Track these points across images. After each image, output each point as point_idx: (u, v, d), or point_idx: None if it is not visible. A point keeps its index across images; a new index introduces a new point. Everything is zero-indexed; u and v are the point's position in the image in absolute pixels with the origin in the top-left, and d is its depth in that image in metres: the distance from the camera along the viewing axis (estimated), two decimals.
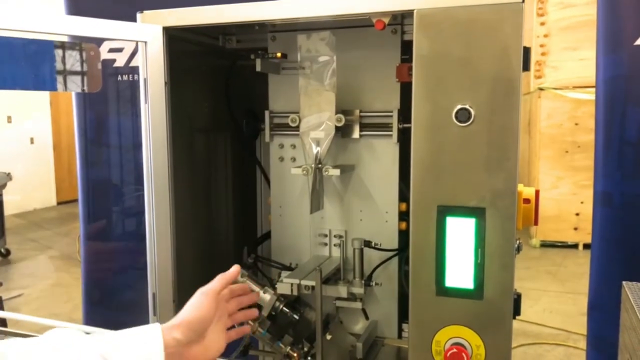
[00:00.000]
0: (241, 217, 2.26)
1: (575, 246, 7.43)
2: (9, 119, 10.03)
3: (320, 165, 1.76)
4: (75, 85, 1.60)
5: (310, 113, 1.75)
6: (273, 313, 1.85)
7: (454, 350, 1.37)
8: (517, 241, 1.37)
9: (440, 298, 1.41)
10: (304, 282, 1.70)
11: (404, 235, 1.93)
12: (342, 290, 1.77)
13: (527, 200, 1.43)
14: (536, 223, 1.45)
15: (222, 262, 2.11)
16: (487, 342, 1.38)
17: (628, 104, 2.23)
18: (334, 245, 1.96)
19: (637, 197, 2.20)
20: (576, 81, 6.63)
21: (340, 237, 1.95)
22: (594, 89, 2.37)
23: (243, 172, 2.26)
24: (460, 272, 1.38)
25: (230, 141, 2.16)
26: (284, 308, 1.85)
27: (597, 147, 2.28)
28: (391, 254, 1.89)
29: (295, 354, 1.70)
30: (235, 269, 1.47)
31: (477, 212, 1.36)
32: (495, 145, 1.33)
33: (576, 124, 6.95)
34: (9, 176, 6.21)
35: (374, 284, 1.79)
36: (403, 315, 1.97)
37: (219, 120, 2.08)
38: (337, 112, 1.73)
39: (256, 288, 1.90)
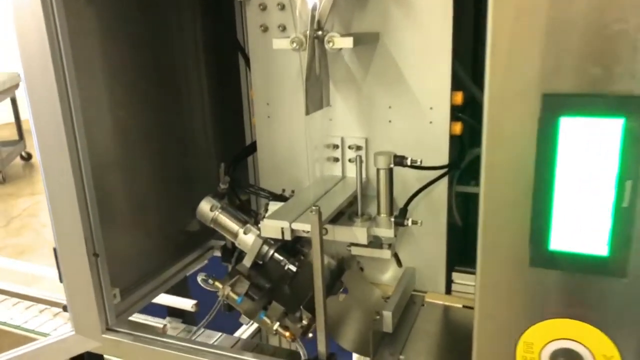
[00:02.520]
0: (221, 120, 1.59)
1: None
2: None
3: (320, 33, 1.06)
4: None
5: None
6: (260, 262, 1.25)
7: None
8: None
9: (539, 271, 0.75)
10: (296, 226, 1.06)
11: (457, 144, 1.25)
12: (360, 234, 1.13)
13: None
14: None
15: (199, 185, 1.49)
16: (627, 352, 0.73)
17: None
18: (349, 161, 1.29)
19: None
20: None
21: (358, 149, 1.27)
22: None
23: (219, 54, 1.56)
24: (582, 226, 0.71)
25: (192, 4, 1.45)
26: (276, 254, 1.24)
27: None
28: (437, 174, 1.22)
29: (287, 333, 1.10)
30: None
31: (626, 106, 0.66)
32: None
33: None
34: (20, 76, 5.59)
35: (409, 222, 1.13)
36: (453, 259, 1.34)
37: None
38: None
39: (234, 226, 1.28)
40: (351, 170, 1.29)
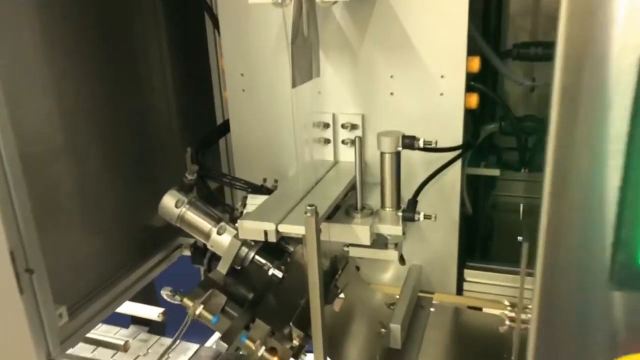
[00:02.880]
0: (187, 96, 1.36)
1: None
2: None
3: None
4: None
5: None
6: (238, 267, 1.04)
7: None
8: None
9: (623, 294, 0.55)
10: (285, 229, 0.85)
11: (470, 119, 1.05)
12: (362, 234, 0.92)
13: None
14: None
15: (162, 174, 1.27)
16: None
17: None
18: (342, 143, 1.08)
19: None
20: None
21: (354, 128, 1.06)
22: None
23: (182, 15, 1.31)
24: None
25: None
26: (257, 257, 1.03)
27: None
28: (449, 156, 1.02)
29: (275, 359, 0.90)
30: None
31: None
32: None
33: None
34: None
35: (421, 217, 0.93)
36: (465, 255, 1.15)
37: None
38: None
39: (205, 225, 1.07)
40: (345, 154, 1.08)
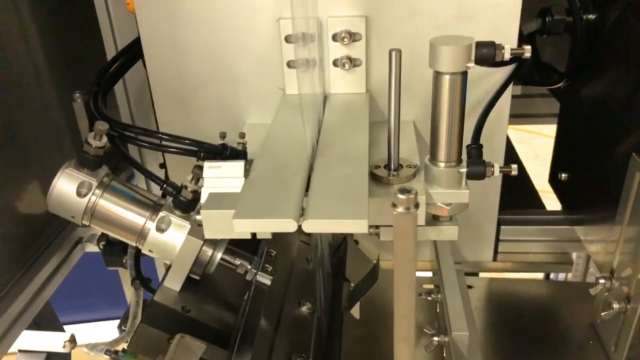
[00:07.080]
0: (57, 17, 0.87)
1: None
2: None
3: None
4: None
5: None
6: (197, 277, 0.66)
7: None
8: None
9: None
10: (320, 227, 0.46)
11: None
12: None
13: None
14: None
15: (42, 145, 0.81)
16: None
17: None
18: (336, 65, 0.69)
19: None
20: None
21: (353, 38, 0.68)
22: None
23: None
24: None
25: None
26: (227, 257, 0.66)
27: None
28: (504, 74, 0.68)
29: None
30: None
31: None
32: None
33: None
34: None
35: (495, 170, 0.59)
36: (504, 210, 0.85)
37: None
38: None
39: (135, 219, 0.66)
40: (341, 82, 0.70)
